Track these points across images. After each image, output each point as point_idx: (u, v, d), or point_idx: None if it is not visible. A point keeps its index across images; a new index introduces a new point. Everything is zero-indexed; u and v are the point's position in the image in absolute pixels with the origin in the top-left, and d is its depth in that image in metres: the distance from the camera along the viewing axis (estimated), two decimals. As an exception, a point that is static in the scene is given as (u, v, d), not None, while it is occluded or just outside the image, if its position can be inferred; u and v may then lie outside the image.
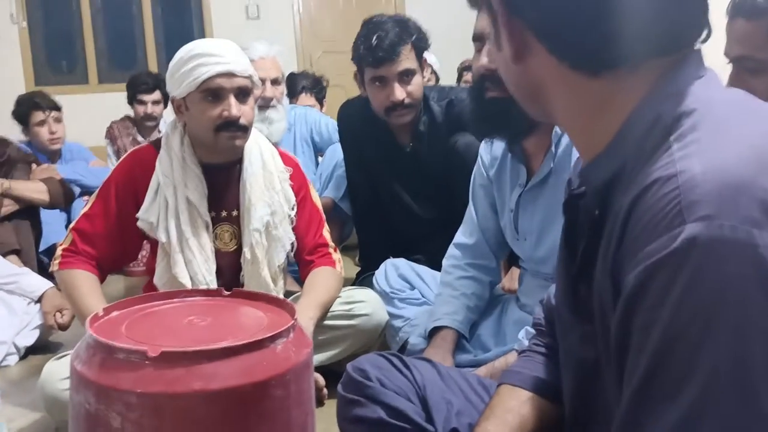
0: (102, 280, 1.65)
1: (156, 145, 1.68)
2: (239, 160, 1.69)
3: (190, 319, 0.99)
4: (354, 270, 2.47)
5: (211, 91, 1.56)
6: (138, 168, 1.65)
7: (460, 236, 1.76)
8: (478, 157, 1.71)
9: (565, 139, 1.45)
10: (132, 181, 1.65)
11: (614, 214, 0.62)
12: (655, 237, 0.54)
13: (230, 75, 1.55)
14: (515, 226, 1.58)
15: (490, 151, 1.66)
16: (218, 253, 1.68)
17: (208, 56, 1.54)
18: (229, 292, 1.10)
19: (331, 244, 1.80)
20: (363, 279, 2.20)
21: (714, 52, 0.73)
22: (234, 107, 1.56)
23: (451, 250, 1.76)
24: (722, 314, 0.51)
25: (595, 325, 0.71)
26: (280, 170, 1.72)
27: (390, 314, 1.78)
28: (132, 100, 3.74)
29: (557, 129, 1.44)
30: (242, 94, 1.59)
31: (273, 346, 0.89)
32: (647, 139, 0.61)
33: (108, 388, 0.81)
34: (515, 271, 2.17)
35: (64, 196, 2.89)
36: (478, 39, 1.41)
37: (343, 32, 6.37)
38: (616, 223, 0.61)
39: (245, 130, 1.61)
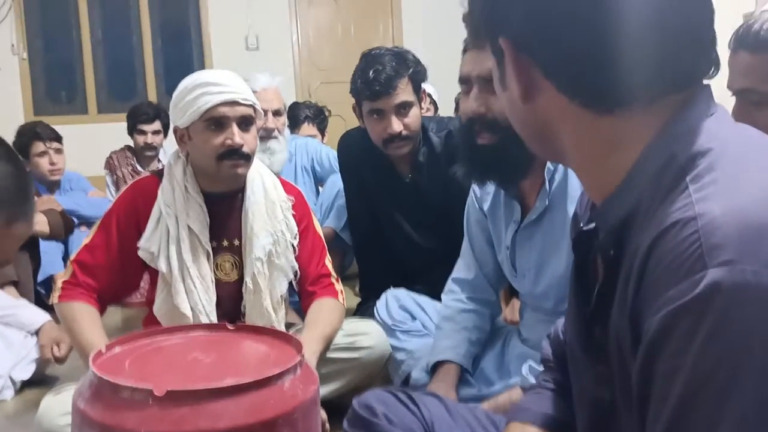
0: (102, 312, 1.63)
1: (158, 174, 1.68)
2: (241, 189, 1.69)
3: (194, 356, 0.97)
4: (354, 300, 2.45)
5: (215, 120, 1.56)
6: (140, 198, 1.65)
7: (458, 271, 1.75)
8: (471, 192, 1.71)
9: (559, 175, 1.45)
10: (134, 211, 1.64)
11: (631, 254, 0.61)
12: (677, 282, 0.53)
13: (233, 104, 1.56)
14: (512, 263, 1.57)
15: (482, 186, 1.66)
16: (219, 284, 1.67)
17: (211, 86, 1.55)
18: (233, 327, 1.09)
19: (334, 274, 1.78)
20: (364, 309, 2.18)
21: (715, 83, 0.72)
22: (237, 135, 1.56)
23: (450, 284, 1.75)
24: (748, 360, 0.50)
25: (611, 365, 0.69)
26: (282, 199, 1.72)
27: (392, 347, 1.76)
28: (132, 130, 3.75)
29: (550, 165, 1.44)
30: (245, 122, 1.59)
31: (280, 383, 0.87)
32: (661, 178, 0.61)
33: (112, 428, 0.79)
34: (516, 303, 2.15)
35: (64, 227, 2.87)
36: (465, 81, 1.42)
37: (341, 62, 6.43)
38: (634, 264, 0.60)
39: (248, 158, 1.61)
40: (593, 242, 0.76)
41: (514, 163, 1.39)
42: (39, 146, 3.23)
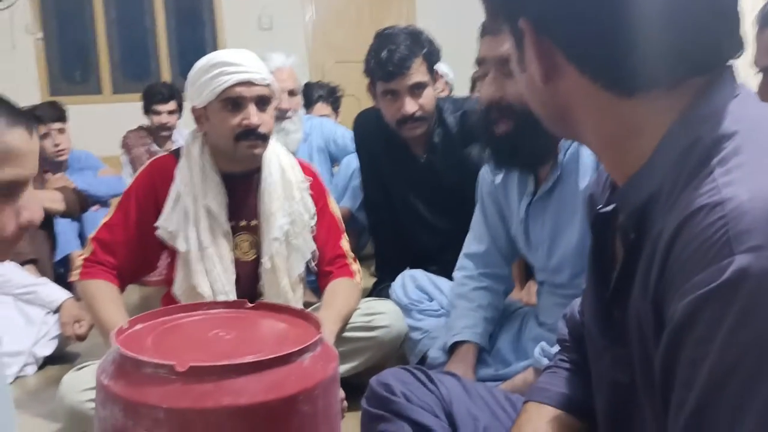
0: (122, 290, 1.65)
1: (176, 154, 1.68)
2: (258, 170, 1.69)
3: (215, 332, 0.98)
4: (370, 280, 2.46)
5: (231, 100, 1.56)
6: (158, 177, 1.65)
7: (469, 245, 1.74)
8: (485, 164, 1.70)
9: (571, 149, 1.44)
10: (152, 190, 1.64)
11: (654, 237, 0.61)
12: (703, 268, 0.52)
13: (250, 84, 1.56)
14: (526, 236, 1.57)
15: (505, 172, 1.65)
16: (237, 263, 1.68)
17: (228, 65, 1.54)
18: (252, 305, 1.09)
19: (350, 254, 1.79)
20: (380, 290, 2.18)
21: (740, 60, 0.70)
22: (254, 116, 1.56)
23: (462, 261, 1.74)
24: None
25: (630, 348, 0.69)
26: (299, 180, 1.72)
27: (409, 326, 1.77)
28: (147, 109, 3.76)
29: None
30: (262, 102, 1.59)
31: (300, 360, 0.87)
32: (686, 161, 0.60)
33: (135, 403, 0.80)
34: (533, 285, 2.15)
35: (79, 204, 2.90)
36: (482, 63, 1.41)
37: (355, 42, 6.38)
38: (658, 248, 0.59)
39: (265, 138, 1.61)
40: (611, 224, 0.76)
41: (532, 151, 1.39)
42: (40, 129, 3.19)
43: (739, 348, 0.50)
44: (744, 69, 0.71)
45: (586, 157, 1.42)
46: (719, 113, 0.60)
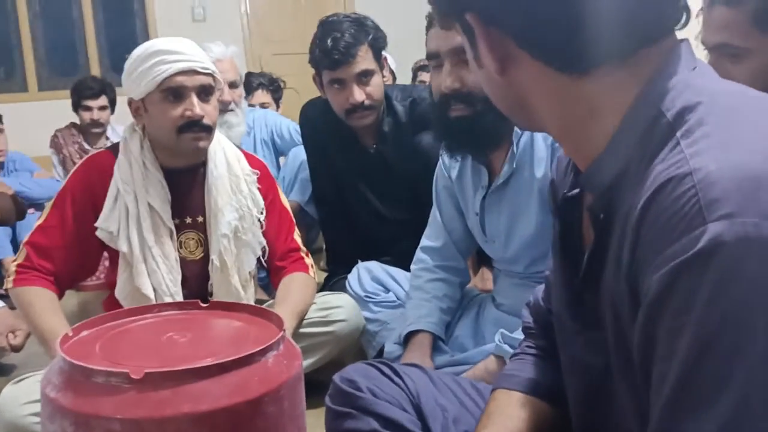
0: (60, 296, 1.55)
1: (113, 150, 1.60)
2: (203, 164, 1.62)
3: (169, 336, 0.92)
4: (321, 275, 2.42)
5: (172, 90, 1.48)
6: (95, 175, 1.56)
7: (426, 240, 1.74)
8: (440, 159, 1.70)
9: (525, 139, 1.45)
10: (89, 189, 1.55)
11: (623, 215, 0.60)
12: (675, 239, 0.52)
13: (192, 72, 1.48)
14: (483, 229, 1.57)
15: (456, 157, 1.64)
16: (183, 262, 1.61)
17: (167, 54, 1.47)
18: (206, 305, 1.04)
19: (303, 248, 1.74)
20: (333, 283, 2.14)
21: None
22: (197, 106, 1.49)
23: (419, 254, 1.73)
24: (755, 315, 0.49)
25: (604, 331, 0.68)
26: (246, 173, 1.66)
27: (365, 319, 1.74)
28: (77, 106, 3.59)
29: (517, 129, 1.44)
30: (204, 92, 1.52)
31: (264, 360, 0.83)
32: (650, 137, 0.59)
33: (87, 415, 0.74)
34: (486, 272, 2.16)
35: (16, 212, 2.74)
36: (434, 57, 1.40)
37: (293, 33, 6.28)
38: (628, 225, 0.58)
39: (209, 130, 1.54)
40: (577, 208, 0.75)
41: (487, 134, 1.39)
42: None
43: (717, 316, 0.49)
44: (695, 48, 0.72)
45: (540, 146, 1.43)
46: (679, 86, 0.60)
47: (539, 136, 1.43)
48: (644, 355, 0.56)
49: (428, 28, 1.43)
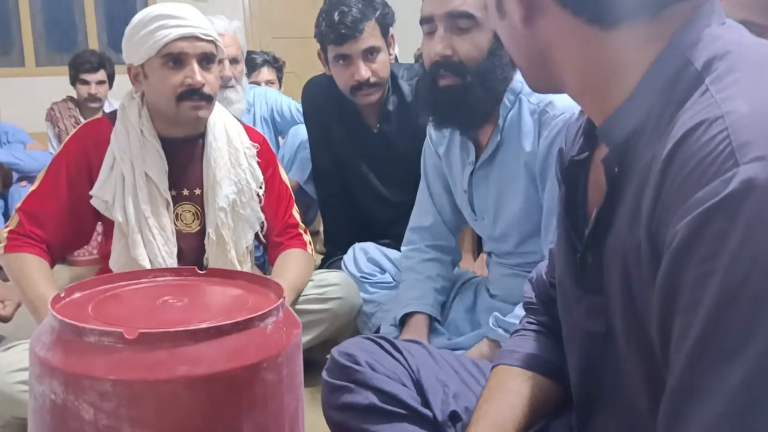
0: (52, 265, 1.52)
1: (111, 117, 1.56)
2: (202, 135, 1.58)
3: (164, 299, 0.89)
4: (318, 257, 2.38)
5: (173, 56, 1.44)
6: (92, 142, 1.52)
7: (415, 219, 1.71)
8: (427, 136, 1.66)
9: (512, 113, 1.41)
10: (85, 156, 1.52)
11: (643, 166, 0.58)
12: (705, 183, 0.50)
13: (193, 38, 1.44)
14: (471, 206, 1.54)
15: (440, 130, 1.61)
16: (179, 235, 1.58)
17: (169, 18, 1.43)
18: (203, 271, 1.01)
19: (301, 225, 1.71)
20: (329, 264, 2.11)
21: None
22: (198, 74, 1.45)
23: (408, 235, 1.71)
24: None
25: (607, 296, 0.66)
26: (246, 146, 1.62)
27: (362, 300, 1.71)
28: (75, 80, 3.53)
29: (506, 101, 1.41)
30: (206, 60, 1.48)
31: (263, 325, 0.80)
32: (676, 86, 0.58)
33: (78, 375, 0.70)
34: (486, 258, 2.13)
35: (1, 178, 2.69)
36: (428, 22, 1.35)
37: (294, 17, 6.23)
38: (650, 175, 0.56)
39: (209, 100, 1.51)
40: (583, 171, 0.73)
41: (474, 107, 1.36)
42: None
43: (748, 262, 0.47)
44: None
45: (527, 121, 1.39)
46: (708, 37, 0.58)
47: (526, 111, 1.39)
48: (664, 307, 0.53)
49: None
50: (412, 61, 4.58)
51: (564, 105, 1.34)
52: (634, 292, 0.60)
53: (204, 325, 0.75)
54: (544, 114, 1.37)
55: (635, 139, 0.60)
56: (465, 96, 1.33)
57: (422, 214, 1.68)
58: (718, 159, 0.49)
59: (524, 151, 1.39)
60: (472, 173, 1.49)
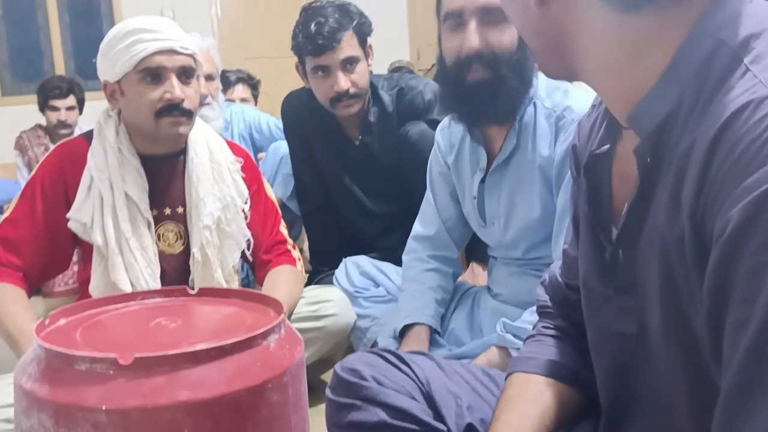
0: (29, 294, 1.44)
1: (87, 137, 1.50)
2: (183, 151, 1.53)
3: (156, 321, 0.83)
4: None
5: (151, 71, 1.39)
6: (67, 163, 1.46)
7: (418, 228, 1.67)
8: (435, 144, 1.63)
9: (527, 117, 1.39)
10: (61, 177, 1.45)
11: (680, 155, 0.55)
12: (757, 166, 0.47)
13: (171, 52, 1.39)
14: (480, 213, 1.51)
15: (447, 137, 1.59)
16: (162, 256, 1.51)
17: (145, 32, 1.38)
18: (195, 291, 0.95)
19: (290, 240, 1.66)
20: (318, 281, 2.06)
21: None
22: (177, 88, 1.40)
23: (411, 243, 1.67)
24: None
25: (640, 294, 0.63)
26: (230, 161, 1.57)
27: (356, 315, 1.66)
28: (44, 106, 3.45)
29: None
30: (185, 74, 1.43)
31: (266, 344, 0.75)
32: (710, 68, 0.54)
33: (69, 406, 0.65)
34: (476, 267, 2.10)
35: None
36: (456, 16, 1.32)
37: (264, 38, 6.20)
38: (691, 162, 0.53)
39: (190, 115, 1.45)
40: (606, 165, 0.70)
41: (511, 97, 1.33)
42: None
43: None
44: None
45: (543, 124, 1.38)
46: (738, 16, 0.55)
47: (541, 115, 1.38)
48: (716, 299, 0.50)
49: None
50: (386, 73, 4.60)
51: (581, 109, 1.32)
52: (677, 285, 0.56)
53: (203, 346, 0.70)
54: (562, 119, 1.35)
55: (668, 126, 0.57)
56: (499, 88, 1.31)
57: (426, 223, 1.65)
58: None
59: (540, 155, 1.37)
60: (483, 179, 1.47)
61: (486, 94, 1.31)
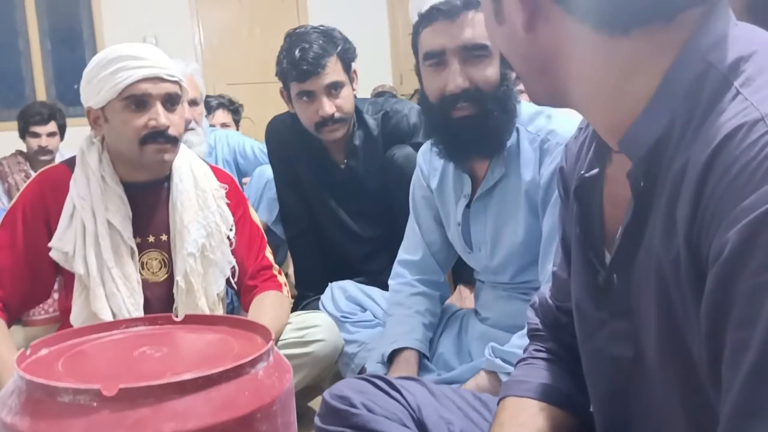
0: (9, 324, 1.41)
1: (69, 164, 1.48)
2: (167, 178, 1.52)
3: (141, 351, 0.81)
4: (289, 299, 2.31)
5: (135, 98, 1.38)
6: (49, 190, 1.44)
7: (403, 254, 1.67)
8: (417, 168, 1.64)
9: (510, 143, 1.40)
10: (42, 205, 1.43)
11: (675, 176, 0.55)
12: (753, 188, 0.47)
13: (157, 79, 1.39)
14: (466, 240, 1.51)
15: (429, 161, 1.59)
16: (145, 284, 1.49)
17: (130, 59, 1.37)
18: (180, 318, 0.94)
19: (275, 265, 1.64)
20: (304, 306, 2.04)
21: None
22: (162, 115, 1.39)
23: (397, 268, 1.66)
24: None
25: (635, 318, 0.62)
26: (214, 187, 1.56)
27: (343, 340, 1.65)
28: (24, 132, 3.42)
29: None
30: (170, 101, 1.42)
31: (254, 372, 0.73)
32: (700, 91, 0.55)
33: (51, 441, 0.63)
34: (463, 290, 2.09)
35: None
36: (436, 56, 1.33)
37: (247, 63, 6.23)
38: (684, 185, 0.53)
39: (175, 142, 1.44)
40: (596, 188, 0.70)
41: (498, 131, 1.34)
42: None
43: None
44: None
45: (527, 149, 1.38)
46: (726, 39, 0.55)
47: (525, 140, 1.39)
48: (714, 322, 0.49)
49: (421, 26, 1.36)
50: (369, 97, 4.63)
51: (565, 132, 1.33)
52: (673, 308, 0.56)
53: (189, 376, 0.68)
54: (546, 142, 1.36)
55: (660, 149, 0.57)
56: (486, 123, 1.32)
57: (411, 247, 1.64)
58: (764, 163, 0.47)
59: (525, 180, 1.38)
60: (468, 205, 1.47)
61: (473, 129, 1.32)
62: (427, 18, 1.33)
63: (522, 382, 0.87)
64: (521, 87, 0.88)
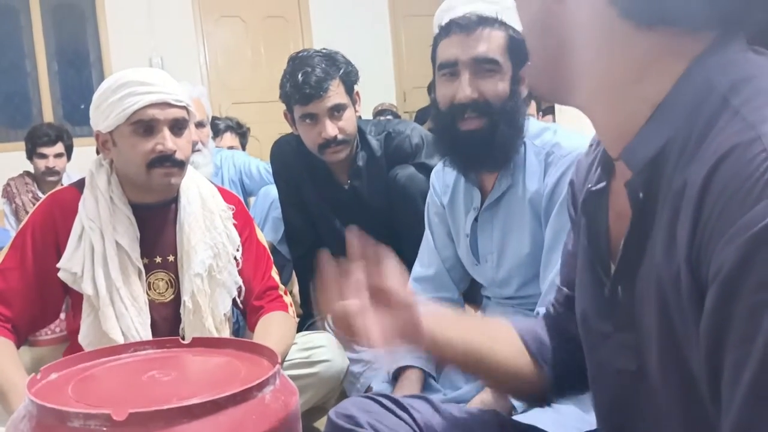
0: (18, 346, 1.43)
1: (78, 186, 1.50)
2: (175, 200, 1.53)
3: (150, 375, 0.83)
4: (294, 318, 2.31)
5: (143, 123, 1.41)
6: (58, 212, 1.46)
7: (417, 269, 1.68)
8: (431, 186, 1.66)
9: (517, 155, 1.43)
10: (52, 227, 1.45)
11: (675, 192, 0.56)
12: (750, 206, 0.48)
13: (164, 105, 1.41)
14: (473, 251, 1.52)
15: (441, 178, 1.62)
16: (152, 305, 1.50)
17: (138, 85, 1.40)
18: (187, 342, 0.95)
19: (281, 286, 1.66)
20: (309, 326, 2.05)
21: None
22: (169, 140, 1.41)
23: (410, 285, 1.67)
24: None
25: (638, 331, 0.63)
26: (221, 208, 1.57)
27: (349, 359, 1.65)
28: (32, 154, 3.45)
29: None
30: (177, 126, 1.45)
31: (261, 396, 0.74)
32: (699, 110, 0.56)
33: (63, 465, 0.64)
34: (469, 309, 2.10)
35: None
36: (449, 66, 1.38)
37: (252, 82, 6.29)
38: (683, 202, 0.54)
39: (181, 165, 1.46)
40: (603, 202, 0.71)
41: (505, 144, 1.37)
42: None
43: None
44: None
45: (532, 161, 1.42)
46: (732, 62, 0.57)
47: (531, 153, 1.42)
48: (713, 339, 0.50)
49: (443, 36, 1.41)
50: (371, 117, 4.66)
51: (570, 146, 1.38)
52: (673, 324, 0.57)
53: (197, 400, 0.70)
54: (551, 154, 1.40)
55: (660, 163, 0.58)
56: (492, 136, 1.36)
57: (425, 263, 1.66)
58: (761, 180, 0.48)
59: (530, 191, 1.41)
60: (476, 218, 1.49)
61: (480, 142, 1.35)
62: (445, 30, 1.39)
63: (521, 321, 0.94)
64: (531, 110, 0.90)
